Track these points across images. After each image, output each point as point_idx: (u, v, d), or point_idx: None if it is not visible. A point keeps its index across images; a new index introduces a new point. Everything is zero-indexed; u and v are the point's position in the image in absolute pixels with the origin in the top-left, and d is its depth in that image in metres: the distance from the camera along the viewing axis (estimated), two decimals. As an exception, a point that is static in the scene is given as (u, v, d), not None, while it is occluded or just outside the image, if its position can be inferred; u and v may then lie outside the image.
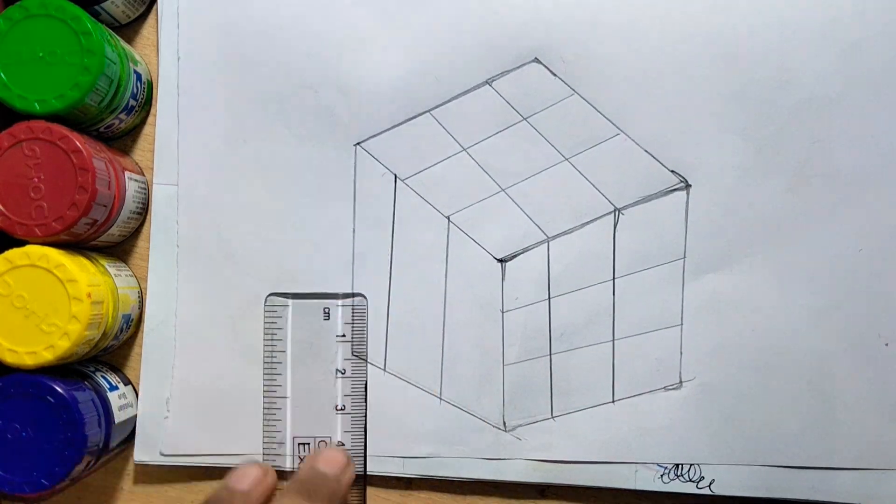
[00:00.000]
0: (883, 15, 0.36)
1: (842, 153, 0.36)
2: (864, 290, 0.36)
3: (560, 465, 0.36)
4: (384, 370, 0.37)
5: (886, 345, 0.36)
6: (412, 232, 0.37)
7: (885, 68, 0.36)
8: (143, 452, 0.37)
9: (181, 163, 0.37)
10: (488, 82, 0.37)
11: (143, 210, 0.38)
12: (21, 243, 0.33)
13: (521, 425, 0.37)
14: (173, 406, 0.37)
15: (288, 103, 0.37)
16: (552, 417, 0.36)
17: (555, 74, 0.37)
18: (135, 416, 0.37)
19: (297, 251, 0.37)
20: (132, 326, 0.37)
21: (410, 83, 0.37)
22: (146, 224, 0.38)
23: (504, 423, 0.37)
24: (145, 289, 0.37)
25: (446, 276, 0.37)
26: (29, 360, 0.32)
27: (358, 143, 0.37)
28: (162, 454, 0.37)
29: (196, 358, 0.37)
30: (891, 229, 0.36)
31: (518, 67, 0.37)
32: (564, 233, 0.36)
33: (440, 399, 0.36)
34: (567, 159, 0.37)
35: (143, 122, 0.38)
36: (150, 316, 0.37)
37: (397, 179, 0.37)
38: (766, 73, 0.36)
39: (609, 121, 0.36)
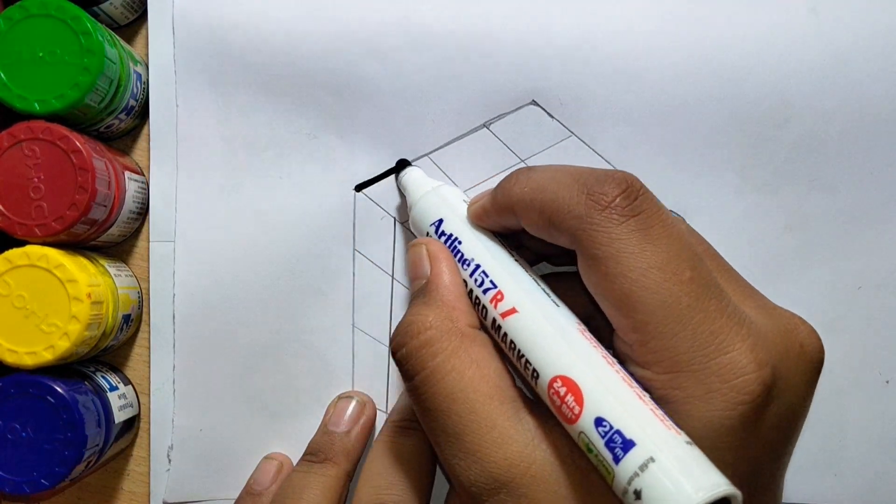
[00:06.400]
0: (884, 54, 0.35)
1: (841, 191, 0.36)
2: (862, 328, 0.36)
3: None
4: (386, 412, 0.37)
5: (887, 382, 0.36)
6: None
7: (886, 107, 0.36)
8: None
9: (178, 219, 0.37)
10: (486, 125, 0.36)
11: (143, 210, 0.38)
12: (21, 243, 0.33)
13: None
14: (175, 455, 0.37)
15: (286, 149, 0.37)
16: None
17: (552, 116, 0.36)
18: (135, 416, 0.37)
19: (298, 298, 0.37)
20: (132, 326, 0.37)
21: (407, 128, 0.36)
22: (146, 224, 0.38)
23: None
24: (145, 289, 0.37)
25: None
26: (29, 360, 0.32)
27: (357, 187, 0.37)
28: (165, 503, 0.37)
29: (198, 409, 0.37)
30: (890, 267, 0.36)
31: (515, 110, 0.36)
32: (562, 271, 0.35)
33: None
34: None
35: (143, 122, 0.38)
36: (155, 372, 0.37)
37: (396, 222, 0.37)
38: (765, 110, 0.35)
39: (607, 161, 0.36)
